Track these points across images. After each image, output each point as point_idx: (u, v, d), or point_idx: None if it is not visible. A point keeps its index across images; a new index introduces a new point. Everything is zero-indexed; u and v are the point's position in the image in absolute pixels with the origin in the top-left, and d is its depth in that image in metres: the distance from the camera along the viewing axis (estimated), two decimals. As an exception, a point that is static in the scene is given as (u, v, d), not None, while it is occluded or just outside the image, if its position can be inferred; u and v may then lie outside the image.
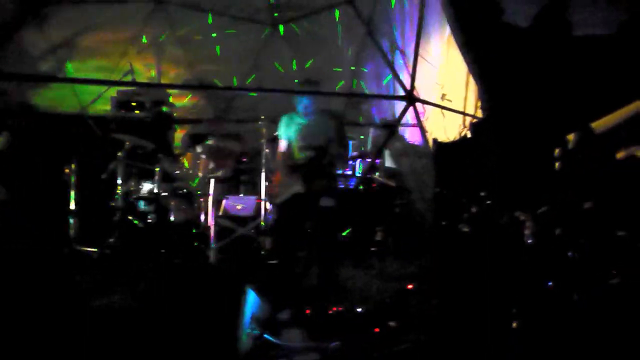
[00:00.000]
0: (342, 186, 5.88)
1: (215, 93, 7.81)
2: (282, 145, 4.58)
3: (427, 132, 6.05)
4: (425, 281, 4.61)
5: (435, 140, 5.95)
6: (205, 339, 2.95)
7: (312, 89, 4.44)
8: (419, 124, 4.21)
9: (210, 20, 7.24)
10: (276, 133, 4.69)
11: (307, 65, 7.26)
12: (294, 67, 7.35)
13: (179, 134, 7.76)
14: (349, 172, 5.98)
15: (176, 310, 3.13)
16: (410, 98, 3.82)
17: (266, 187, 5.29)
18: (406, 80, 5.26)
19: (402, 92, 4.92)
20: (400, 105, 6.57)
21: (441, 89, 5.33)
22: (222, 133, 5.96)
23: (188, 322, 2.99)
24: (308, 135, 4.44)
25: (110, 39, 7.23)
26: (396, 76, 3.65)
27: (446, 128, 5.35)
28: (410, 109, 5.08)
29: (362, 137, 6.80)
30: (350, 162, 6.01)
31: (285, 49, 7.50)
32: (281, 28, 7.39)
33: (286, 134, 4.52)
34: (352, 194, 5.79)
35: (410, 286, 4.29)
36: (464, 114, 4.79)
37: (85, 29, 7.00)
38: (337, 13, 7.08)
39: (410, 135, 6.45)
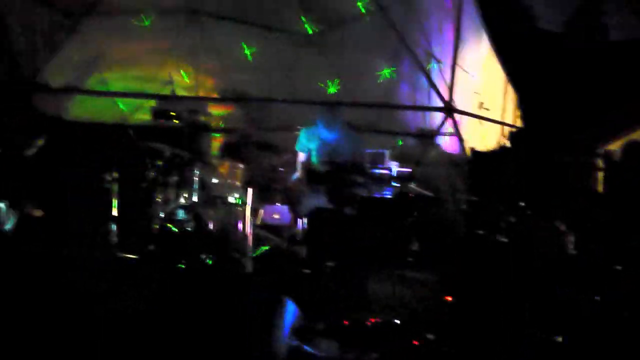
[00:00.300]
0: (378, 195, 5.85)
1: (251, 102, 7.88)
2: (301, 158, 4.62)
3: (464, 140, 6.00)
4: (461, 293, 4.55)
5: (472, 149, 5.90)
6: (243, 349, 2.98)
7: (333, 112, 4.47)
8: (457, 134, 4.16)
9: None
10: (296, 147, 4.73)
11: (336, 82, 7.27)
12: (332, 88, 7.35)
13: (216, 143, 7.89)
14: (384, 181, 5.96)
15: (213, 318, 3.16)
16: (449, 109, 3.79)
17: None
18: (443, 89, 5.23)
19: (439, 103, 4.88)
20: (436, 114, 6.55)
21: (479, 98, 5.27)
22: (258, 142, 6.00)
23: (226, 332, 3.02)
24: (330, 151, 4.47)
25: (148, 49, 7.39)
26: (434, 87, 3.61)
27: (483, 137, 5.30)
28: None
29: (400, 142, 6.72)
30: (388, 172, 5.99)
31: (319, 58, 7.52)
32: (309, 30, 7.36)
33: (307, 148, 4.57)
34: (386, 202, 5.76)
35: (448, 298, 4.23)
36: (502, 123, 4.73)
37: (122, 40, 7.18)
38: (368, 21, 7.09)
39: (446, 143, 6.40)
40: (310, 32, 7.41)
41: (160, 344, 3.08)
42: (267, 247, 5.30)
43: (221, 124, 7.78)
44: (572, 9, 5.48)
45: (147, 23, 6.96)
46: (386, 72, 6.94)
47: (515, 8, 4.99)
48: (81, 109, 7.24)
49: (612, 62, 5.06)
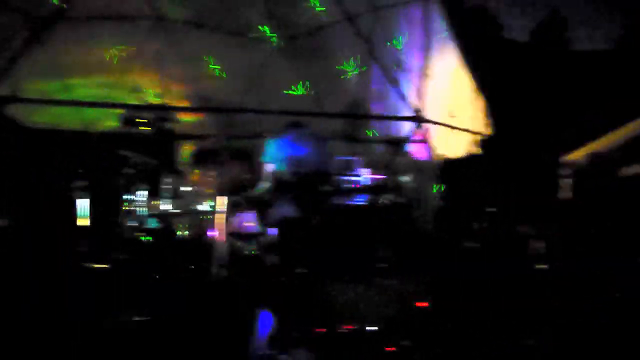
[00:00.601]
0: (349, 202, 5.89)
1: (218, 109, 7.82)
2: (269, 168, 4.61)
3: (433, 149, 6.10)
4: (433, 299, 4.62)
5: (440, 156, 6.00)
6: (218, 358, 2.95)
7: (298, 132, 4.48)
8: (427, 142, 4.23)
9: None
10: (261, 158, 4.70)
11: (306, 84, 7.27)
12: (301, 90, 7.34)
13: (186, 150, 7.79)
14: (356, 189, 6.00)
15: (188, 328, 3.13)
16: (418, 118, 3.85)
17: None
18: (413, 97, 5.30)
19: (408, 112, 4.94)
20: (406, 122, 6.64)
21: (448, 106, 5.37)
22: (229, 149, 5.96)
23: (201, 341, 2.99)
24: (297, 161, 4.45)
25: (112, 56, 7.25)
26: (403, 97, 3.67)
27: (453, 144, 5.39)
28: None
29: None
30: (358, 179, 6.03)
31: (286, 65, 7.52)
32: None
33: (273, 158, 4.55)
34: (358, 209, 5.80)
35: (419, 304, 4.28)
36: (470, 131, 4.83)
37: (86, 46, 7.03)
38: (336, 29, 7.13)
39: (415, 150, 6.48)
40: (275, 40, 7.40)
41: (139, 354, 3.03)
42: (238, 255, 5.25)
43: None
44: (538, 20, 5.64)
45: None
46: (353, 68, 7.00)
47: (482, 17, 5.10)
48: (44, 116, 7.04)
49: (576, 69, 5.23)
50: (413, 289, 5.07)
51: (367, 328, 3.80)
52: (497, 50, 5.01)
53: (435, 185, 6.27)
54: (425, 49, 4.23)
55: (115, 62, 7.16)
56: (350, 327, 3.80)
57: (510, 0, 5.46)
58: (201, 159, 6.64)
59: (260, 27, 7.18)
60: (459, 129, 4.89)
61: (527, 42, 5.36)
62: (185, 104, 7.84)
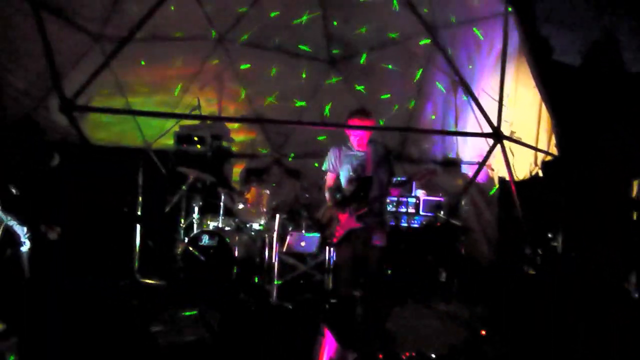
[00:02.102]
0: (405, 224, 5.74)
1: (273, 128, 7.85)
2: (330, 179, 4.40)
3: (493, 170, 5.90)
4: (496, 327, 4.40)
5: (501, 179, 5.79)
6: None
7: (365, 117, 4.25)
8: (507, 163, 4.04)
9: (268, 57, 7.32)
10: (324, 167, 4.49)
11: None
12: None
13: (237, 169, 7.85)
14: (412, 210, 5.85)
15: (249, 348, 3.05)
16: (498, 135, 3.66)
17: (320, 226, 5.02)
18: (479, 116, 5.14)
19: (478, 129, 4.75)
20: (463, 143, 6.47)
21: (510, 126, 5.19)
22: (284, 168, 5.94)
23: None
24: (358, 166, 4.25)
25: (173, 75, 7.39)
26: (484, 113, 3.52)
27: (515, 166, 5.18)
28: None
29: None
30: (414, 200, 5.88)
31: (343, 85, 7.50)
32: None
33: (334, 166, 4.33)
34: (415, 231, 5.65)
35: (483, 332, 4.08)
36: (542, 151, 4.62)
37: (147, 65, 7.19)
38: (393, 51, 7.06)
39: (473, 173, 6.29)
40: (334, 57, 7.41)
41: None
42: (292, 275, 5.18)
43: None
44: (589, 43, 5.45)
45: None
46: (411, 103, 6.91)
47: (537, 39, 4.95)
48: (104, 132, 7.22)
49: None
50: (472, 315, 4.87)
51: (430, 355, 3.62)
52: (549, 72, 4.84)
53: (494, 208, 6.06)
54: (503, 71, 4.06)
55: (174, 81, 7.34)
56: (410, 353, 3.64)
57: (559, 23, 5.29)
58: (253, 177, 6.66)
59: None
60: (532, 147, 4.67)
61: (578, 66, 5.17)
62: (239, 123, 7.94)
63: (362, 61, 7.19)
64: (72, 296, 4.25)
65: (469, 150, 6.40)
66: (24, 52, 5.82)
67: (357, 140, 4.23)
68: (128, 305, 4.30)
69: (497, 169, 5.79)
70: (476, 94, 6.10)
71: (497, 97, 5.50)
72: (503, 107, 5.41)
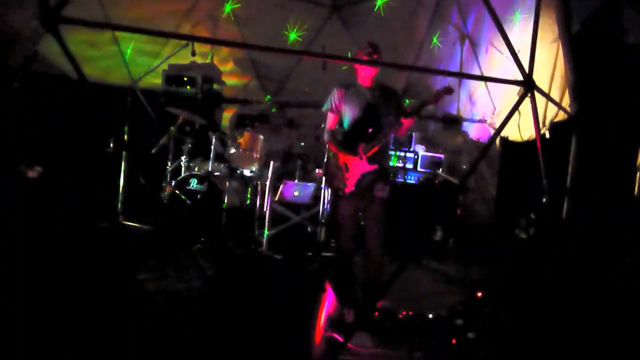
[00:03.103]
0: (401, 179, 5.55)
1: (268, 74, 7.51)
2: (330, 120, 4.01)
3: (495, 128, 5.70)
4: (492, 289, 4.27)
5: (503, 139, 5.59)
6: (275, 336, 2.67)
7: (375, 52, 3.90)
8: (535, 116, 3.75)
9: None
10: (324, 107, 4.08)
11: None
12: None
13: (226, 114, 7.54)
14: (410, 166, 5.64)
15: (244, 302, 2.86)
16: (530, 84, 3.34)
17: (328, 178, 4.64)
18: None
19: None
20: (465, 100, 6.24)
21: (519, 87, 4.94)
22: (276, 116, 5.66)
23: (258, 317, 2.71)
24: (365, 104, 3.87)
25: (165, 11, 6.97)
26: (515, 56, 3.20)
27: (521, 127, 4.98)
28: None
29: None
30: (412, 156, 5.67)
31: (344, 32, 7.16)
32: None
33: (337, 106, 3.95)
34: (412, 187, 5.46)
35: (479, 294, 3.94)
36: (560, 107, 4.39)
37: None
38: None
39: (475, 132, 6.09)
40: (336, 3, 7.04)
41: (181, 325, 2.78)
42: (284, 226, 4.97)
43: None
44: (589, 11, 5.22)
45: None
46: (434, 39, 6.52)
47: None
48: (89, 68, 6.83)
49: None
50: (469, 276, 4.76)
51: (427, 315, 3.48)
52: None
53: (493, 169, 5.89)
54: (535, 16, 3.72)
55: (165, 18, 6.92)
56: (407, 312, 3.49)
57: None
58: (242, 123, 6.37)
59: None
60: (560, 105, 4.43)
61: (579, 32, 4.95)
62: (231, 66, 7.59)
63: (365, 8, 6.83)
64: (54, 237, 4.01)
65: (471, 108, 6.18)
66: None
67: (365, 75, 3.90)
68: (112, 248, 4.08)
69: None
70: (483, 50, 5.87)
71: (506, 52, 5.26)
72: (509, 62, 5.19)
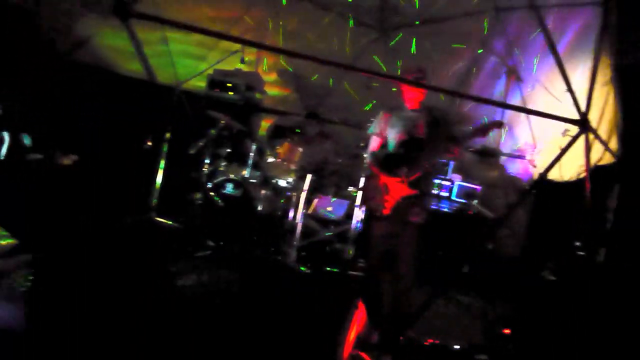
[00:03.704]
0: (435, 207, 5.51)
1: (308, 89, 7.56)
2: (375, 142, 4.00)
3: (535, 166, 5.64)
4: (518, 327, 4.19)
5: (542, 177, 5.52)
6: (303, 351, 2.66)
7: (422, 75, 3.90)
8: (587, 157, 3.70)
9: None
10: (370, 130, 4.08)
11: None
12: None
13: (264, 123, 7.61)
14: (445, 194, 5.60)
15: (269, 311, 2.86)
16: (585, 123, 3.28)
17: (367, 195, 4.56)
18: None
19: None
20: (505, 135, 6.18)
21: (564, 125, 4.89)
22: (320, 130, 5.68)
23: (286, 326, 2.70)
24: (412, 128, 3.86)
25: (213, 17, 7.10)
26: (573, 95, 3.17)
27: (562, 166, 4.90)
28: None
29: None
30: (448, 184, 5.63)
31: (390, 54, 7.18)
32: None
33: (385, 130, 3.94)
34: (445, 216, 5.41)
35: (507, 331, 3.87)
36: (609, 150, 4.32)
37: (190, 3, 6.91)
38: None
39: (512, 167, 6.03)
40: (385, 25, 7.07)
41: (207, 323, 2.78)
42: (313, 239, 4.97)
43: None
44: None
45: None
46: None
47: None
48: (136, 64, 6.96)
49: None
50: (493, 311, 4.68)
51: (453, 346, 3.43)
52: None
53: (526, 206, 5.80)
54: (595, 54, 3.66)
55: (213, 23, 7.04)
56: (434, 340, 3.44)
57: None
58: (282, 133, 6.42)
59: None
60: (608, 148, 4.35)
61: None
62: (274, 76, 7.67)
63: (413, 33, 6.86)
64: (88, 224, 4.08)
65: (509, 142, 6.14)
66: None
67: (411, 98, 3.90)
68: (144, 242, 4.11)
69: (541, 166, 5.52)
70: (529, 87, 5.83)
71: (559, 93, 5.21)
72: (559, 103, 5.14)
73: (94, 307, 2.84)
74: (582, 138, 3.49)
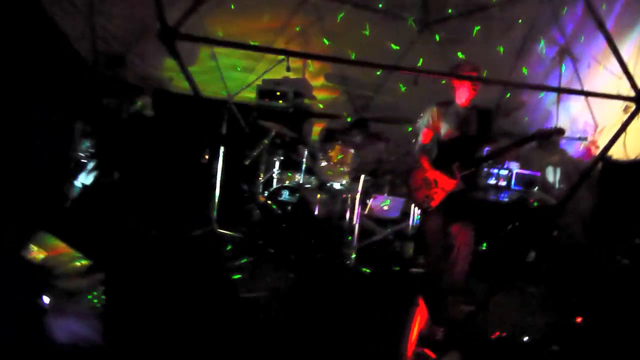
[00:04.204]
0: (494, 197, 5.39)
1: (357, 89, 7.58)
2: (425, 135, 4.02)
3: (598, 147, 5.42)
4: (590, 316, 4.04)
5: (605, 158, 5.30)
6: (366, 351, 2.68)
7: (473, 71, 3.86)
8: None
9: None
10: (420, 124, 4.11)
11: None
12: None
13: (316, 128, 7.69)
14: (503, 184, 5.48)
15: (333, 313, 2.90)
16: None
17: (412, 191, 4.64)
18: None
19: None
20: (566, 116, 5.98)
21: (624, 102, 4.69)
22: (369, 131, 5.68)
23: (349, 329, 2.73)
24: (463, 124, 3.89)
25: (259, 28, 7.23)
26: (627, 72, 3.04)
27: (627, 144, 4.71)
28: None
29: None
30: (505, 173, 5.51)
31: (435, 49, 7.09)
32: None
33: (436, 125, 3.97)
34: (504, 206, 5.29)
35: (579, 319, 3.74)
36: None
37: (234, 16, 7.06)
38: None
39: (573, 150, 5.83)
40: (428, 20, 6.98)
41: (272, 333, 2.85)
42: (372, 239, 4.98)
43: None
44: None
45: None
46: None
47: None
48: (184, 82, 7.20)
49: None
50: (562, 300, 4.53)
51: (522, 338, 3.35)
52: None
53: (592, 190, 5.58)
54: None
55: (260, 34, 7.18)
56: (500, 334, 3.38)
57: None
58: (334, 136, 6.47)
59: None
60: None
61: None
62: (322, 81, 7.74)
63: (460, 24, 6.74)
64: (154, 240, 4.25)
65: (570, 125, 5.92)
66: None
67: (463, 94, 3.89)
68: (207, 253, 4.25)
69: (603, 146, 5.30)
70: (585, 65, 5.62)
71: (611, 68, 5.02)
72: (615, 78, 4.94)
73: (165, 317, 2.97)
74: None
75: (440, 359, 2.93)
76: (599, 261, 5.23)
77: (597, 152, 5.45)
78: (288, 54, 5.40)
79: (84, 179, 5.21)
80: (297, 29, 7.03)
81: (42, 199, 4.73)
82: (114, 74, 6.47)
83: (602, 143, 5.36)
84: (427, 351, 2.84)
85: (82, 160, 5.09)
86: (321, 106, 7.70)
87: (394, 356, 2.60)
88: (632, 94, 2.69)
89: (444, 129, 3.92)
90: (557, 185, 5.74)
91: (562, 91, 5.67)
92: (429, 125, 3.99)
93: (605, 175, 5.33)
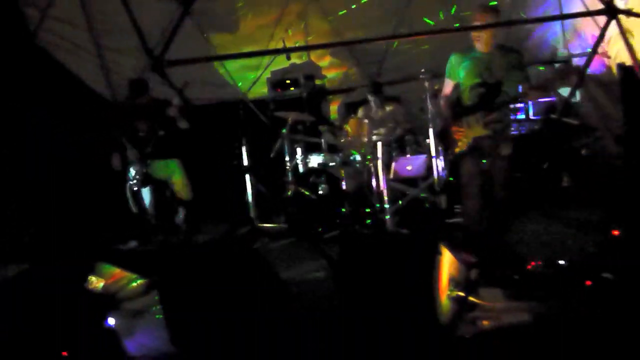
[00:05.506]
0: (516, 132, 5.40)
1: (365, 58, 7.62)
2: (448, 86, 4.04)
3: (609, 57, 5.34)
4: (629, 228, 4.04)
5: (620, 66, 5.22)
6: (403, 305, 2.85)
7: (494, 17, 3.85)
8: (626, 42, 3.50)
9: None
10: (446, 74, 4.08)
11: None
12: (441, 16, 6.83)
13: (333, 106, 7.80)
14: (522, 116, 5.48)
15: (368, 278, 3.07)
16: (610, 10, 3.10)
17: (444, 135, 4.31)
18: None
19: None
20: (572, 35, 5.88)
21: (625, 5, 4.60)
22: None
23: (383, 289, 2.91)
24: (484, 70, 3.85)
25: (258, 24, 7.36)
26: None
27: (637, 48, 4.61)
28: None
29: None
30: (522, 106, 5.50)
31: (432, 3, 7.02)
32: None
33: (456, 73, 3.96)
34: (529, 137, 5.29)
35: (615, 232, 3.77)
36: None
37: (234, 20, 7.21)
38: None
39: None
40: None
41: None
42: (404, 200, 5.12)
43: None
44: None
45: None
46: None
47: None
48: (199, 92, 7.41)
49: None
50: (601, 217, 4.53)
51: (558, 262, 3.42)
52: None
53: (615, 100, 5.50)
54: None
55: (260, 31, 7.30)
56: (537, 262, 3.46)
57: None
58: (350, 110, 6.58)
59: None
60: None
61: None
62: (329, 59, 7.81)
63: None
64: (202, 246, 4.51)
65: (579, 42, 5.83)
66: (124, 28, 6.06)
67: (481, 40, 3.88)
68: (251, 250, 4.49)
69: (615, 55, 5.22)
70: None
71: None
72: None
73: (220, 314, 3.20)
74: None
75: (480, 298, 3.04)
76: (636, 171, 5.18)
77: (610, 62, 5.35)
78: (287, 50, 5.55)
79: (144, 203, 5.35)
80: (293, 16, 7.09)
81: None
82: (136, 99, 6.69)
83: (613, 52, 5.26)
84: (462, 294, 2.96)
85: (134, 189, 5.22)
86: (335, 84, 7.80)
87: (426, 303, 2.76)
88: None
89: (465, 76, 3.92)
90: (580, 104, 5.68)
91: (541, 20, 5.59)
92: (450, 75, 4.03)
93: (626, 85, 5.24)
